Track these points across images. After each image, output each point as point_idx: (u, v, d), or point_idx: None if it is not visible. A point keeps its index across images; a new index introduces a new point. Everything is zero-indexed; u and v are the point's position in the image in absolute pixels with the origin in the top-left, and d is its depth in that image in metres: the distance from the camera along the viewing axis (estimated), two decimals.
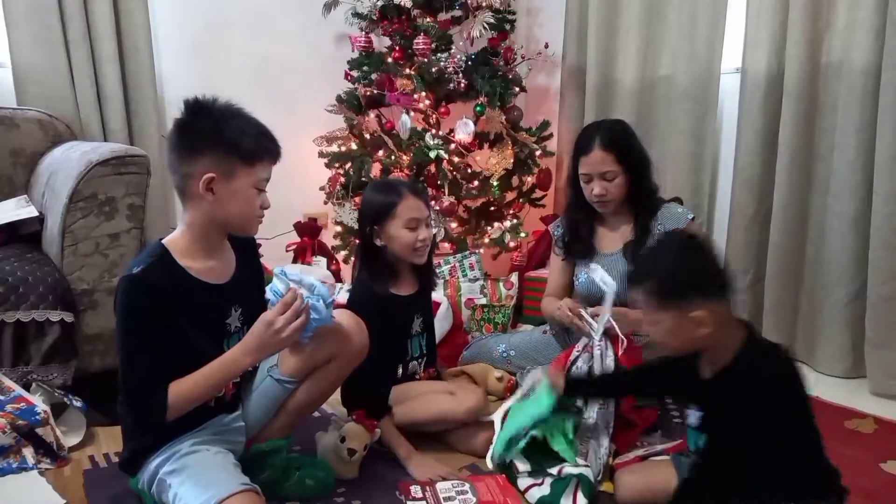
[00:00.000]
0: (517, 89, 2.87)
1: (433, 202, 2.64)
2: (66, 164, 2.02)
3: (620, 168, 1.89)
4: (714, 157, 2.72)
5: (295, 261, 2.90)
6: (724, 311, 1.23)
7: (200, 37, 2.88)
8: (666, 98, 2.77)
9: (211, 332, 1.42)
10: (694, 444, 1.35)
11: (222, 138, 1.33)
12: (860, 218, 2.23)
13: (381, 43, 2.98)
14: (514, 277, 2.74)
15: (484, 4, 2.77)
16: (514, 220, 2.88)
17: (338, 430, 1.64)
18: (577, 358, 1.76)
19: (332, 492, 1.56)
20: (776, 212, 2.42)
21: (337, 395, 1.69)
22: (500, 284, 2.67)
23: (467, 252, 2.71)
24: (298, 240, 2.93)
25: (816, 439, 1.26)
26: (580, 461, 1.54)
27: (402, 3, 2.70)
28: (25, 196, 2.21)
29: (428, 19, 2.78)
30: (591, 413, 1.64)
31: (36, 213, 2.09)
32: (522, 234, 2.89)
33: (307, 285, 1.41)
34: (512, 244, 2.85)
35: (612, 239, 2.02)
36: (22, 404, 1.68)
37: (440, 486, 1.52)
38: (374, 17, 2.85)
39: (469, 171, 2.76)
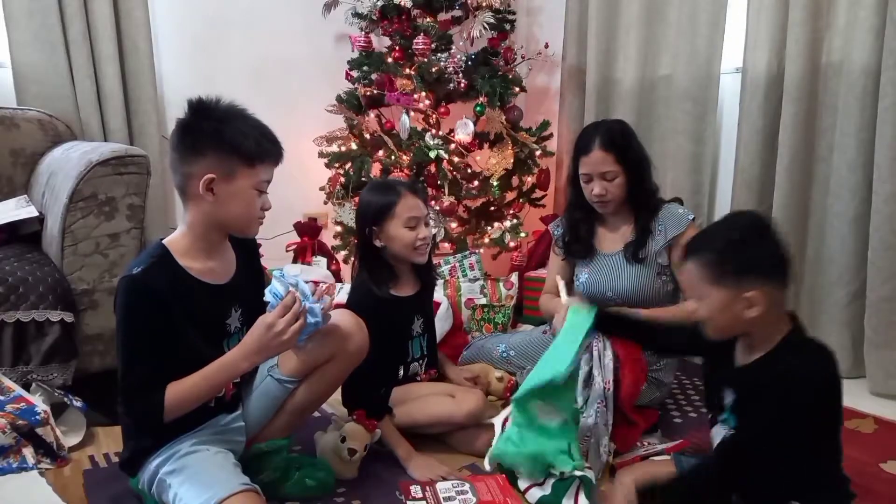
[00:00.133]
0: (517, 89, 2.87)
1: (433, 202, 2.65)
2: (66, 164, 2.02)
3: (620, 168, 1.89)
4: (714, 157, 2.72)
5: (295, 261, 2.90)
6: (777, 298, 1.22)
7: (200, 37, 2.88)
8: (666, 98, 2.77)
9: (211, 333, 1.42)
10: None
11: (224, 139, 1.33)
12: (860, 218, 2.23)
13: (381, 43, 2.98)
14: (514, 277, 2.74)
15: (484, 4, 2.77)
16: (514, 220, 2.88)
17: (338, 430, 1.64)
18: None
19: (332, 492, 1.56)
20: (776, 212, 2.41)
21: (337, 395, 1.69)
22: (500, 284, 2.67)
23: (467, 252, 2.71)
24: (298, 240, 2.93)
25: (837, 446, 1.27)
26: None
27: (402, 3, 2.70)
28: (25, 196, 2.21)
29: (428, 19, 2.78)
30: (591, 412, 1.64)
31: (36, 213, 2.09)
32: (522, 234, 2.89)
33: (301, 291, 1.41)
34: (512, 244, 2.85)
35: (612, 239, 2.02)
36: (22, 404, 1.68)
37: (440, 486, 1.51)
38: (374, 17, 2.86)
39: (469, 171, 2.76)
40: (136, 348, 1.32)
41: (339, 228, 2.93)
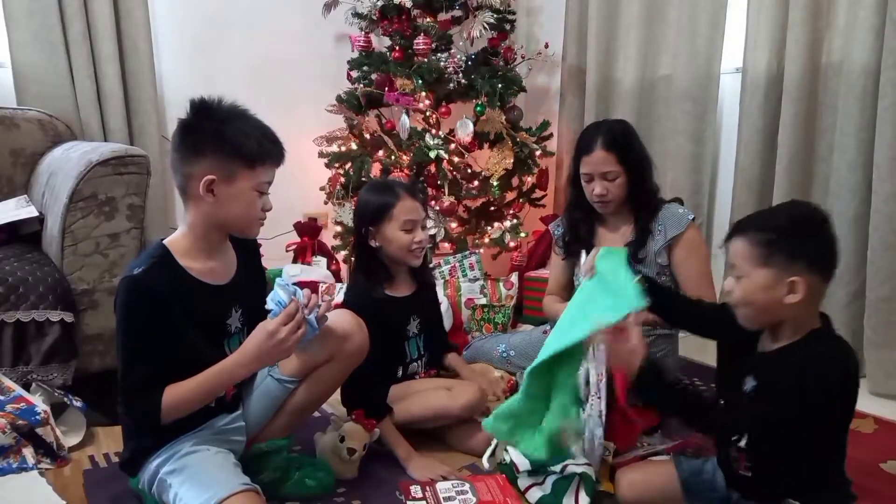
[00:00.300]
0: (517, 89, 2.88)
1: (433, 202, 2.65)
2: (66, 164, 2.02)
3: (622, 168, 1.89)
4: (714, 157, 2.72)
5: (295, 261, 2.90)
6: (818, 290, 1.22)
7: (200, 37, 2.88)
8: (666, 98, 2.77)
9: (211, 333, 1.42)
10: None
11: (224, 140, 1.33)
12: (860, 218, 2.23)
13: (381, 43, 2.99)
14: (514, 277, 2.74)
15: (484, 4, 2.77)
16: (514, 220, 2.88)
17: (337, 429, 1.64)
18: None
19: (332, 492, 1.56)
20: None
21: (337, 395, 1.69)
22: (500, 284, 2.67)
23: (467, 252, 2.72)
24: (298, 240, 2.93)
25: (842, 446, 1.27)
26: (580, 459, 1.54)
27: (402, 3, 2.70)
28: (25, 196, 2.21)
29: (428, 19, 2.78)
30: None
31: (36, 213, 2.09)
32: (522, 234, 2.90)
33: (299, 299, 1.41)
34: (512, 244, 2.85)
35: (612, 239, 2.02)
36: (22, 404, 1.68)
37: (440, 486, 1.52)
38: (374, 17, 2.86)
39: (469, 171, 2.77)
40: (136, 348, 1.32)
41: (339, 228, 2.93)
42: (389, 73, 2.75)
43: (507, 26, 2.90)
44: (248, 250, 1.54)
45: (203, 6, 2.87)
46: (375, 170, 2.79)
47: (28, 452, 1.63)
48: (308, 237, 2.92)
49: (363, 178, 2.75)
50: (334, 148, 2.89)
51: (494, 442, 1.67)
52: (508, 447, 1.64)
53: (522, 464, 1.57)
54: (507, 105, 2.81)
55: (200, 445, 1.39)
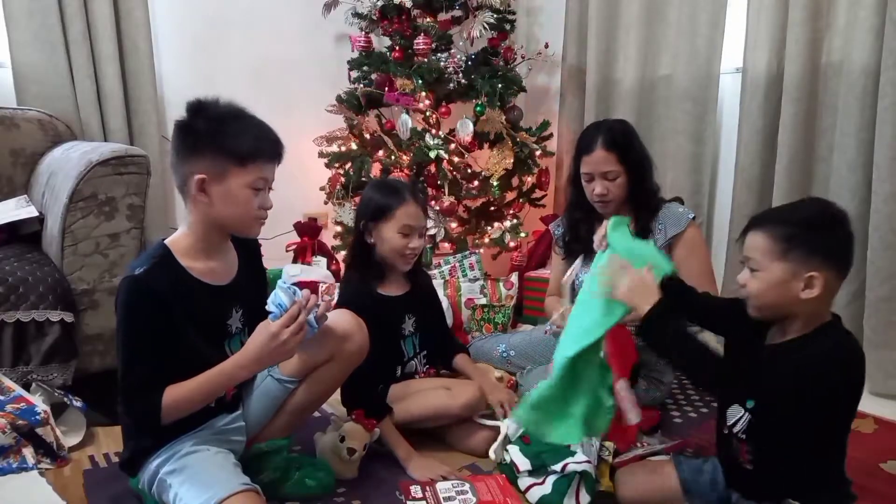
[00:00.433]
0: (517, 89, 2.88)
1: (433, 202, 2.65)
2: (66, 164, 2.02)
3: (622, 168, 1.89)
4: (714, 157, 2.72)
5: (295, 261, 2.90)
6: (833, 287, 1.22)
7: (200, 37, 2.88)
8: (666, 98, 2.77)
9: (212, 333, 1.42)
10: None
11: (216, 139, 1.33)
12: (859, 218, 2.23)
13: (381, 43, 2.99)
14: (514, 277, 2.74)
15: (484, 4, 2.77)
16: (514, 220, 2.88)
17: (337, 429, 1.64)
18: None
19: (332, 492, 1.56)
20: None
21: (337, 395, 1.69)
22: (500, 284, 2.67)
23: (467, 252, 2.72)
24: (298, 240, 2.93)
25: (842, 446, 1.27)
26: (581, 457, 1.54)
27: (402, 3, 2.70)
28: (25, 196, 2.21)
29: (428, 19, 2.78)
30: None
31: (36, 213, 2.09)
32: (522, 234, 2.90)
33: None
34: (512, 244, 2.85)
35: None
36: (22, 404, 1.68)
37: (440, 486, 1.52)
38: (374, 17, 2.86)
39: (469, 171, 2.77)
40: (136, 348, 1.32)
41: (339, 228, 2.93)
42: (389, 73, 2.75)
43: (507, 26, 2.90)
44: (249, 251, 1.54)
45: (203, 6, 2.87)
46: (375, 170, 2.79)
47: (28, 452, 1.63)
48: (308, 237, 2.92)
49: (363, 179, 2.76)
50: (334, 148, 2.89)
51: (502, 435, 1.67)
52: (508, 447, 1.64)
53: (522, 464, 1.57)
54: (507, 105, 2.82)
55: (200, 445, 1.39)
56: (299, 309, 1.35)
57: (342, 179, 2.83)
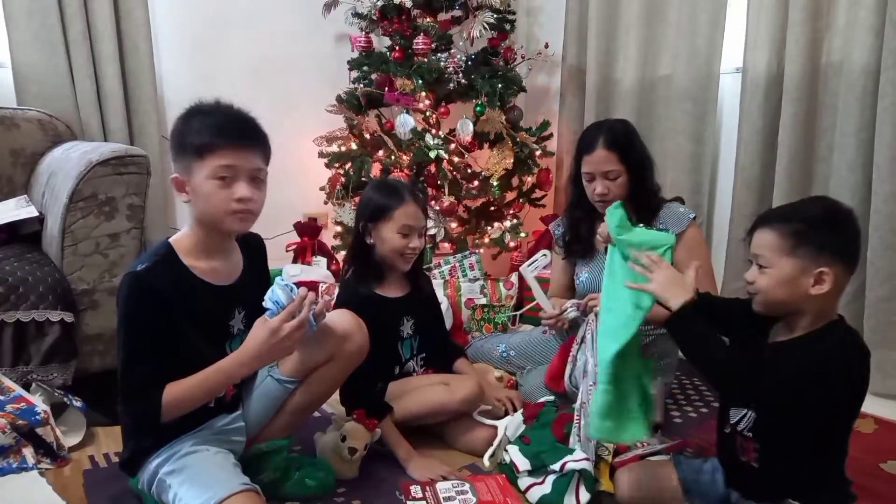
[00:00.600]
0: (517, 89, 2.88)
1: (433, 202, 2.65)
2: (66, 164, 2.02)
3: (623, 168, 1.89)
4: (714, 157, 2.72)
5: (295, 261, 2.90)
6: (842, 283, 1.22)
7: (200, 37, 2.88)
8: (666, 98, 2.77)
9: (212, 333, 1.42)
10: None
11: (180, 137, 1.35)
12: (859, 218, 2.20)
13: (381, 43, 2.99)
14: (514, 277, 2.74)
15: (484, 4, 2.77)
16: (514, 220, 2.88)
17: (338, 429, 1.64)
18: (577, 349, 1.81)
19: (332, 492, 1.56)
20: None
21: (337, 395, 1.69)
22: (500, 284, 2.67)
23: (467, 252, 2.72)
24: (298, 240, 2.93)
25: (844, 446, 1.27)
26: (580, 455, 1.54)
27: (402, 3, 2.70)
28: (25, 196, 2.21)
29: (428, 19, 2.78)
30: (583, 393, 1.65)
31: (36, 213, 2.09)
32: (522, 234, 2.90)
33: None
34: (512, 244, 2.85)
35: None
36: (22, 404, 1.68)
37: (440, 486, 1.52)
38: (374, 17, 2.86)
39: (469, 171, 2.77)
40: (136, 348, 1.32)
41: (339, 228, 2.93)
42: (389, 73, 2.75)
43: (507, 26, 2.90)
44: (255, 251, 1.54)
45: (203, 6, 2.87)
46: (375, 170, 2.79)
47: (28, 452, 1.63)
48: (308, 237, 2.92)
49: (363, 178, 2.76)
50: (334, 148, 2.89)
51: (496, 442, 1.67)
52: (508, 447, 1.64)
53: (522, 464, 1.57)
54: (507, 105, 2.82)
55: (200, 445, 1.39)
56: (299, 304, 1.35)
57: (342, 179, 2.83)
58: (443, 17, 2.86)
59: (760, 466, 1.29)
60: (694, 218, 1.96)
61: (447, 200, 2.66)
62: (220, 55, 2.92)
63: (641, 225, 1.53)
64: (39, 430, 1.65)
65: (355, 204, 2.71)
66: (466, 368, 1.95)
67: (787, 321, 1.28)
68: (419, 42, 2.68)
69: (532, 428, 1.70)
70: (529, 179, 2.92)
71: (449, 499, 1.47)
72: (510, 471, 1.59)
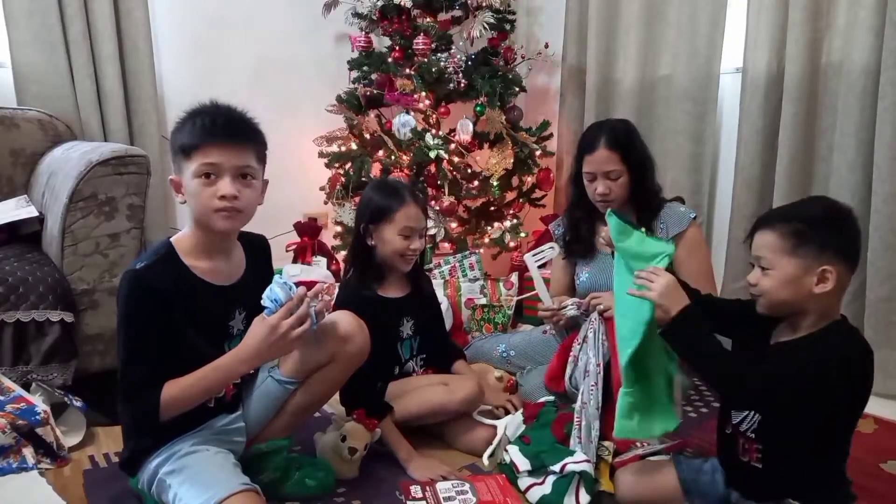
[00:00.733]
0: (517, 89, 2.87)
1: (433, 202, 2.65)
2: (66, 164, 2.02)
3: (624, 167, 1.89)
4: (714, 157, 2.72)
5: (295, 261, 2.90)
6: (844, 282, 1.23)
7: (200, 37, 2.88)
8: (666, 98, 2.77)
9: (212, 333, 1.42)
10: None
11: (173, 139, 1.37)
12: (859, 218, 2.20)
13: (381, 43, 2.99)
14: (514, 277, 2.74)
15: (484, 4, 2.77)
16: (514, 220, 2.88)
17: (338, 429, 1.64)
18: (579, 349, 1.80)
19: (332, 492, 1.56)
20: None
21: (337, 395, 1.69)
22: (500, 284, 2.67)
23: (467, 252, 2.72)
24: (298, 240, 2.93)
25: (845, 447, 1.28)
26: (580, 457, 1.54)
27: (402, 3, 2.70)
28: (25, 196, 2.21)
29: (428, 19, 2.78)
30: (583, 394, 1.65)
31: (36, 213, 2.09)
32: (522, 234, 2.90)
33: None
34: (512, 244, 2.85)
35: None
36: (22, 404, 1.68)
37: (440, 486, 1.52)
38: (374, 17, 2.86)
39: (469, 171, 2.77)
40: (136, 347, 1.32)
41: (339, 228, 2.93)
42: (389, 73, 2.75)
43: (507, 26, 2.90)
44: (258, 252, 1.54)
45: (203, 6, 2.87)
46: (375, 170, 2.79)
47: (28, 452, 1.63)
48: (308, 237, 2.92)
49: (363, 178, 2.76)
50: (334, 148, 2.89)
51: (496, 441, 1.67)
52: (508, 447, 1.64)
53: (522, 464, 1.57)
54: (507, 105, 2.82)
55: (200, 445, 1.39)
56: (298, 302, 1.35)
57: (342, 179, 2.83)
58: (443, 17, 2.86)
59: (764, 467, 1.29)
60: (694, 218, 1.96)
61: (447, 200, 2.66)
62: (220, 55, 2.92)
63: (642, 228, 1.53)
64: (39, 430, 1.65)
65: (355, 204, 2.71)
66: (465, 371, 1.95)
67: (790, 321, 1.28)
68: (419, 42, 2.68)
69: (532, 428, 1.70)
70: (529, 179, 2.92)
71: (449, 499, 1.47)
72: (510, 471, 1.59)
